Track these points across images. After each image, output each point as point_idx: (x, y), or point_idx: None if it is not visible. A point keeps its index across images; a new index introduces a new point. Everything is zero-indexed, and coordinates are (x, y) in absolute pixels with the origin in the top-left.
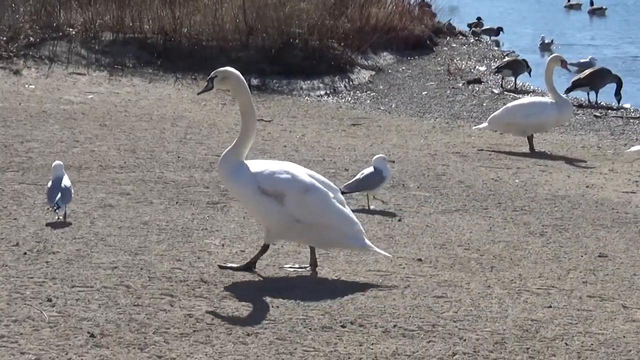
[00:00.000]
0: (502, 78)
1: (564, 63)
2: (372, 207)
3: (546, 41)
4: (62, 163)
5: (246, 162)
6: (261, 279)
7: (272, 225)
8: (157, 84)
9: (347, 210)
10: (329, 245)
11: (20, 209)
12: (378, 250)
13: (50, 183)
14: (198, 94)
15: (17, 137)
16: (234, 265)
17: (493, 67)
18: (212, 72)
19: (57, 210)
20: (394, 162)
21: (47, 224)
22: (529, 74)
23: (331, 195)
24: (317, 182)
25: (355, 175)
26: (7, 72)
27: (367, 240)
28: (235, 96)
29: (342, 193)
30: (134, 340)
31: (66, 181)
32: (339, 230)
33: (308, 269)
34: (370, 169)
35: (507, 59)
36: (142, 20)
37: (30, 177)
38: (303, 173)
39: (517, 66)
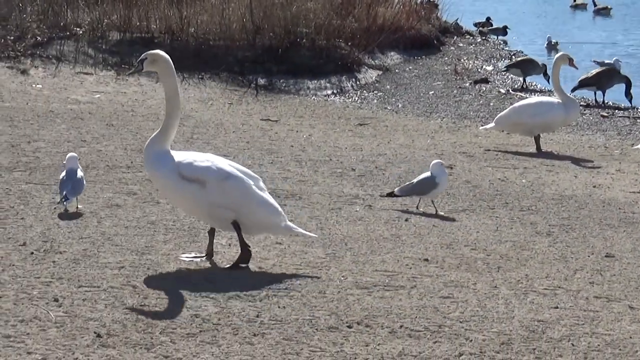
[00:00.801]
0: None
1: (571, 61)
2: (421, 209)
3: (552, 41)
4: (76, 155)
5: (171, 152)
6: (269, 279)
7: (195, 211)
8: None
9: (267, 196)
10: (253, 229)
11: (27, 209)
12: (302, 231)
13: (63, 174)
14: (127, 74)
15: (24, 137)
16: (191, 255)
17: (503, 66)
18: (143, 54)
19: (65, 202)
20: (451, 167)
21: (56, 223)
22: (545, 74)
23: (251, 183)
24: (237, 171)
25: (363, 175)
26: (14, 72)
27: (288, 222)
28: (162, 80)
29: (395, 196)
30: (140, 340)
31: (79, 173)
32: (260, 215)
33: (204, 258)
34: (426, 174)
35: (518, 58)
36: (149, 19)
37: (38, 176)
38: (223, 162)
39: (527, 66)
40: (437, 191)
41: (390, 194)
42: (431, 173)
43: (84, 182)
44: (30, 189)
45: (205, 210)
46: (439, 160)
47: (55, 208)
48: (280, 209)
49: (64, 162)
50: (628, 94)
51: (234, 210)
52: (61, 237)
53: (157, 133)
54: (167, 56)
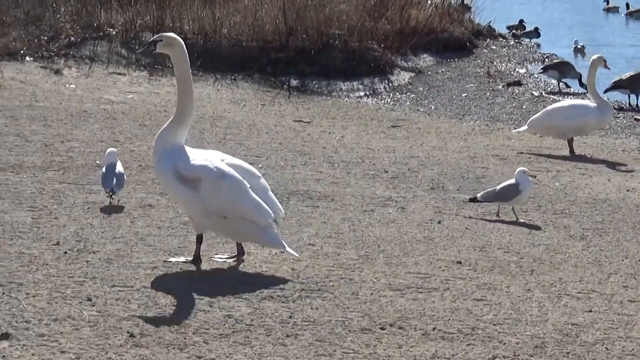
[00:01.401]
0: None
1: (604, 63)
2: (502, 218)
3: (579, 45)
4: (115, 150)
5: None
6: (301, 280)
7: (192, 214)
8: (197, 84)
9: (261, 201)
10: (242, 237)
11: (60, 208)
12: (288, 249)
13: (104, 169)
14: (137, 52)
15: (58, 137)
16: (181, 259)
17: (539, 69)
18: (157, 36)
19: (113, 196)
20: (535, 177)
21: (89, 222)
22: (580, 81)
23: (247, 185)
24: (237, 169)
25: (396, 177)
26: (48, 72)
27: (277, 236)
28: (175, 65)
29: (477, 201)
30: (173, 340)
31: (119, 167)
32: (250, 222)
33: (235, 258)
34: (510, 181)
35: (555, 60)
36: (182, 20)
37: (71, 176)
38: (219, 160)
39: (564, 68)
40: (519, 198)
41: (473, 200)
42: (515, 180)
43: (125, 176)
44: (64, 189)
45: (201, 214)
46: (523, 168)
47: (88, 208)
48: (272, 217)
49: (97, 162)
50: None
51: (225, 215)
52: (94, 236)
53: (167, 125)
54: (181, 41)
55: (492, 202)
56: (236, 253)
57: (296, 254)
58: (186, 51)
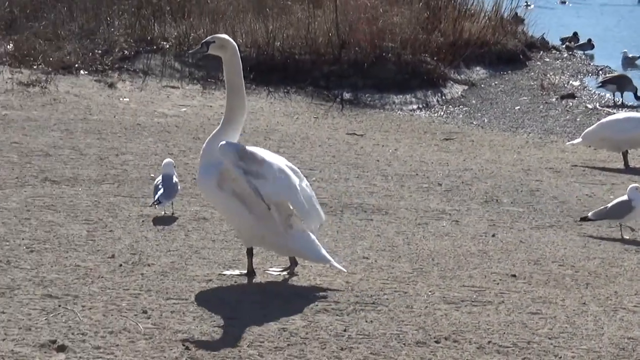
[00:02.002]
0: (598, 93)
1: None
2: (625, 236)
3: (629, 55)
4: (172, 161)
5: None
6: (356, 293)
7: (238, 226)
8: (250, 97)
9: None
10: (288, 252)
11: (115, 221)
12: (335, 263)
13: (159, 178)
14: (189, 53)
15: (112, 150)
16: (235, 272)
17: (598, 82)
18: (210, 37)
19: (157, 206)
20: None
21: (144, 235)
22: (635, 93)
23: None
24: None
25: (449, 190)
26: (102, 85)
27: (324, 252)
28: (226, 69)
29: (589, 220)
30: (228, 353)
31: (174, 178)
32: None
33: (289, 270)
34: (623, 198)
35: (614, 74)
36: (236, 33)
37: (126, 189)
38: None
39: (623, 82)
40: (632, 215)
41: (584, 219)
42: (628, 197)
43: (178, 188)
44: (119, 202)
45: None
46: (636, 185)
47: (143, 221)
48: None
49: (152, 175)
50: None
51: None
52: (149, 249)
53: (218, 129)
54: (234, 43)
55: (604, 220)
56: (289, 265)
57: (343, 268)
58: (239, 54)
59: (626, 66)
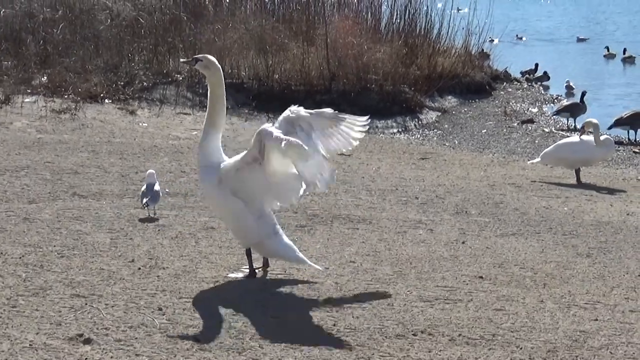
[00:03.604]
0: (554, 118)
1: (591, 127)
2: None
3: (571, 84)
4: (154, 171)
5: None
6: (344, 292)
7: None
8: (252, 122)
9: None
10: (273, 254)
11: (135, 230)
12: (311, 263)
13: (144, 187)
14: (181, 61)
15: (133, 168)
16: (239, 275)
17: (552, 110)
18: (200, 55)
19: (146, 208)
20: None
21: (159, 242)
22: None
23: None
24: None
25: (425, 203)
26: (124, 112)
27: (301, 255)
28: (209, 85)
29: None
30: (233, 345)
31: (156, 186)
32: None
33: (259, 270)
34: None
35: (565, 102)
36: (240, 68)
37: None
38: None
39: (575, 109)
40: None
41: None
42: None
43: (161, 194)
44: (138, 213)
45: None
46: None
47: (159, 230)
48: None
49: (167, 190)
50: None
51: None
52: (164, 254)
53: (202, 137)
54: (219, 66)
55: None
56: (262, 265)
57: (319, 267)
58: (222, 74)
59: (568, 95)
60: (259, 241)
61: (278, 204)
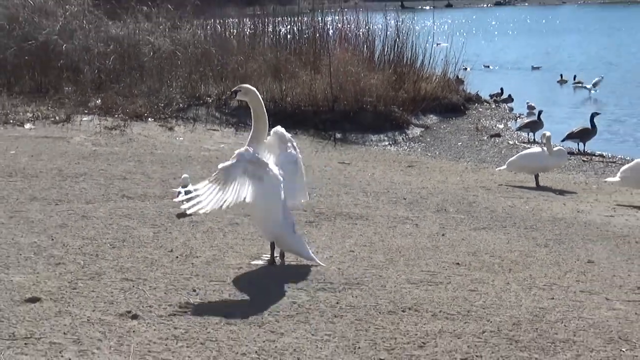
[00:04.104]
0: (517, 133)
1: (543, 140)
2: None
3: (531, 104)
4: (188, 175)
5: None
6: (345, 276)
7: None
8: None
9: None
10: (290, 248)
11: (173, 226)
12: (318, 261)
13: (180, 188)
14: (224, 97)
15: (171, 174)
16: (260, 262)
17: (516, 126)
18: (237, 87)
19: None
20: None
21: (193, 235)
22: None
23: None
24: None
25: (411, 202)
26: (164, 129)
27: (312, 254)
28: (251, 105)
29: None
30: (254, 319)
31: (190, 187)
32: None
33: (277, 259)
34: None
35: (526, 120)
36: (258, 91)
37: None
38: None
39: (535, 125)
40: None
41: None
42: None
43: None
44: (176, 211)
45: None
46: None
47: (193, 225)
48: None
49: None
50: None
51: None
52: (197, 245)
53: (248, 142)
54: (255, 90)
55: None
56: (279, 255)
57: (322, 263)
58: (259, 95)
59: (529, 114)
60: (281, 234)
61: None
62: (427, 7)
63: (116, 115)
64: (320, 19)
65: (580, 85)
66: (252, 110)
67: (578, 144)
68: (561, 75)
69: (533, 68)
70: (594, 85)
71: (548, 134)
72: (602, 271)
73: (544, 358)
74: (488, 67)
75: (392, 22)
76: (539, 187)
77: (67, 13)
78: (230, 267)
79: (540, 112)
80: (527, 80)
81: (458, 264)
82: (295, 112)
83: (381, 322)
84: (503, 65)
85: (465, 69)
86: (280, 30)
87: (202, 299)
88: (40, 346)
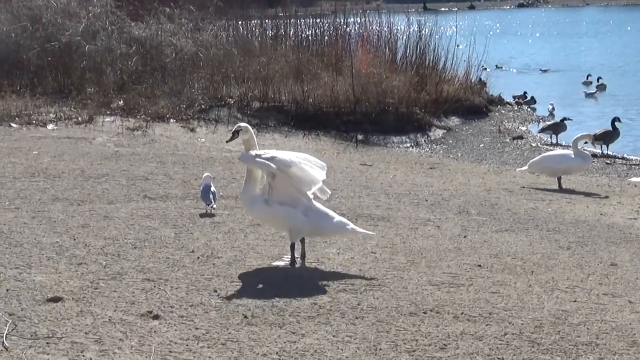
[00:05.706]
0: (539, 135)
1: (591, 138)
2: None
3: (553, 107)
4: (210, 174)
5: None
6: (366, 278)
7: (291, 226)
8: (291, 138)
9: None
10: (327, 234)
11: (194, 227)
12: (362, 230)
13: (201, 187)
14: (227, 142)
15: (193, 175)
16: (281, 263)
17: (538, 128)
18: (236, 127)
19: (212, 206)
20: None
21: (215, 236)
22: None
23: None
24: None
25: (433, 204)
26: (186, 130)
27: (351, 225)
28: (245, 143)
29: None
30: (275, 320)
31: (212, 188)
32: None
33: (298, 260)
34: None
35: (549, 122)
36: (281, 93)
37: (202, 204)
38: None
39: (557, 128)
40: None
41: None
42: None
43: (217, 193)
44: (197, 212)
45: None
46: None
47: (214, 226)
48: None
49: (221, 193)
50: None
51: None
52: (219, 246)
53: (244, 187)
54: (250, 128)
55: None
56: (300, 256)
57: (372, 233)
58: (253, 133)
59: (550, 116)
60: (313, 229)
61: (320, 195)
62: (454, 9)
63: (138, 116)
64: (342, 20)
65: (602, 87)
66: (244, 144)
67: (601, 147)
68: (587, 76)
69: (542, 71)
70: (598, 87)
71: (580, 135)
72: (625, 274)
73: None
74: (500, 67)
75: (415, 24)
76: (561, 190)
77: (90, 14)
78: (251, 268)
79: (564, 119)
80: (549, 81)
81: (480, 266)
82: (317, 114)
83: (402, 323)
84: (527, 67)
85: (485, 68)
86: (302, 31)
87: (223, 299)
88: (62, 346)
